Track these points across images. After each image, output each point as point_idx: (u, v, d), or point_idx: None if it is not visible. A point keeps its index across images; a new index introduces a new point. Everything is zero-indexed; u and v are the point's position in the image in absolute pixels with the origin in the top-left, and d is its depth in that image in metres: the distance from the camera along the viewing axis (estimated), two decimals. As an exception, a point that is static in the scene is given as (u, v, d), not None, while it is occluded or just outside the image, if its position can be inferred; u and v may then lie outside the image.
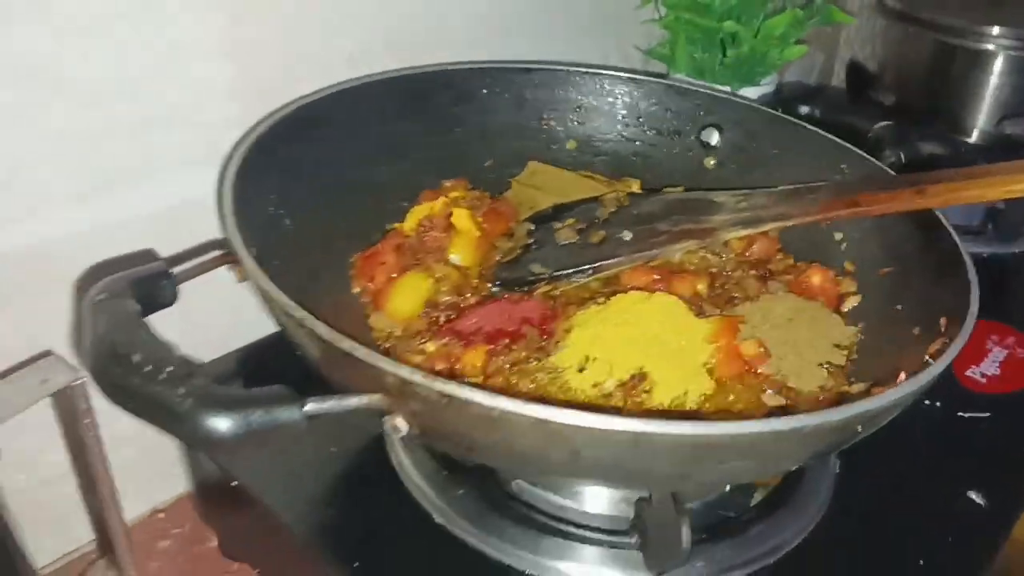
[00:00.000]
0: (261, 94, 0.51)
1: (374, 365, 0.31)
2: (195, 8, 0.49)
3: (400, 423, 0.33)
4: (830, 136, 0.54)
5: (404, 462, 0.46)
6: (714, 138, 0.58)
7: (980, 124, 0.86)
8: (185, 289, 0.41)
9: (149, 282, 0.37)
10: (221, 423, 0.30)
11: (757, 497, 0.45)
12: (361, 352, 0.31)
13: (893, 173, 0.51)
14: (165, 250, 0.51)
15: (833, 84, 1.02)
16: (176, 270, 0.39)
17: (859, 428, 0.33)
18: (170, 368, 0.32)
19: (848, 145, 0.53)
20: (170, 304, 0.39)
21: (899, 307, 0.46)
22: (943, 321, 0.40)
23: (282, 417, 0.31)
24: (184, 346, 0.44)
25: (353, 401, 0.33)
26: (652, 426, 0.29)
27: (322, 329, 0.33)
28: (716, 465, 0.31)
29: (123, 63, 0.47)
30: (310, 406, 0.32)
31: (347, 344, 0.32)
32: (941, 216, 0.45)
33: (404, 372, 0.30)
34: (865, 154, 0.52)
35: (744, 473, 0.38)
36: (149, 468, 0.54)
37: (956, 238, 0.44)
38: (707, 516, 0.44)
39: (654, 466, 0.32)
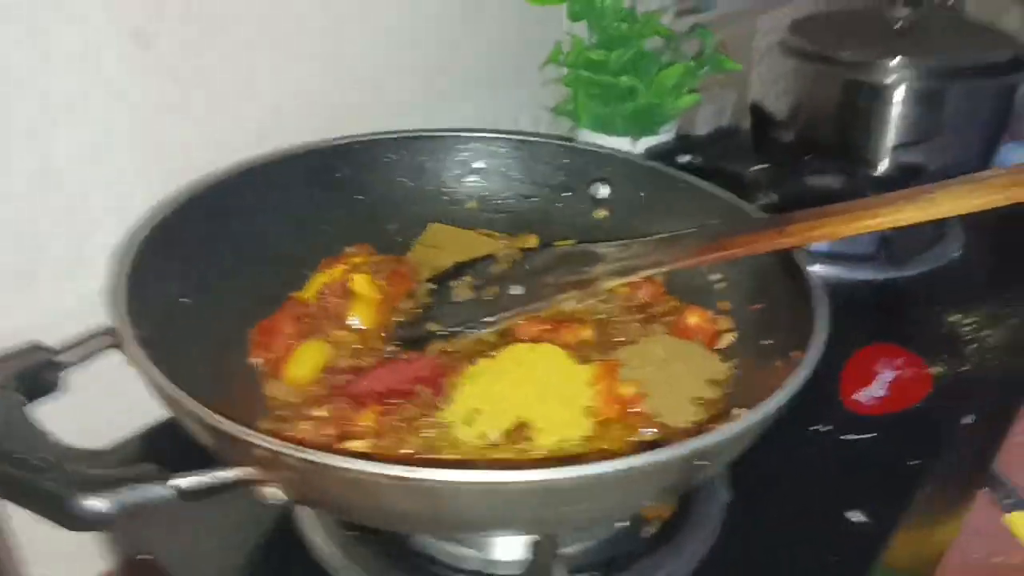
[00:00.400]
0: (171, 174, 0.53)
1: (238, 437, 0.33)
2: (104, 92, 0.51)
3: (271, 492, 0.35)
4: (705, 184, 0.57)
5: (310, 528, 0.47)
6: (602, 192, 0.61)
7: (880, 156, 0.91)
8: (91, 372, 0.42)
9: (33, 371, 0.39)
10: (92, 505, 0.32)
11: (650, 530, 0.47)
12: (225, 425, 0.33)
13: (762, 215, 0.55)
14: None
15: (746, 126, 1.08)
16: (64, 356, 0.41)
17: (698, 465, 0.35)
18: (43, 455, 0.33)
19: (720, 192, 0.56)
20: (55, 390, 0.40)
21: (768, 342, 0.48)
22: (795, 355, 0.42)
23: (152, 493, 0.33)
24: (88, 429, 0.45)
25: (224, 474, 0.34)
26: (489, 477, 0.31)
27: (191, 404, 0.35)
28: (563, 508, 0.34)
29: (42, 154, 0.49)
30: (180, 481, 0.33)
31: (214, 419, 0.34)
32: (798, 253, 0.49)
33: (262, 442, 0.32)
34: (736, 199, 0.56)
35: (602, 512, 0.40)
36: (71, 547, 0.55)
37: (808, 274, 0.47)
38: (600, 553, 0.46)
39: (509, 513, 0.34)
